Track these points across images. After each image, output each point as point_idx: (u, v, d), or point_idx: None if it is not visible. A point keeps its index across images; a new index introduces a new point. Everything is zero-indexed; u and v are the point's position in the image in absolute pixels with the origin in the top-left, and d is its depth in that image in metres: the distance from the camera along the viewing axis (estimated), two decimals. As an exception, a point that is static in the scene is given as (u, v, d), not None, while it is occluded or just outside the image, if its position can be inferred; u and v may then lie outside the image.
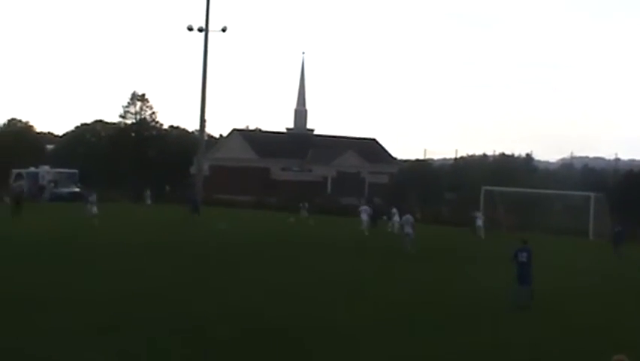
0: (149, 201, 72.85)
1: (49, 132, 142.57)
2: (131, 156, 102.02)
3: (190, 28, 75.92)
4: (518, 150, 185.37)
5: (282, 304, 22.76)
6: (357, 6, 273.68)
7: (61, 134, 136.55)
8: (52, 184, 79.80)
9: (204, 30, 75.47)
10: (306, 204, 67.00)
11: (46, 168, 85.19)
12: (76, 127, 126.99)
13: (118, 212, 59.73)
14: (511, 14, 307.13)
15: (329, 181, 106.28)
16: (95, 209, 50.48)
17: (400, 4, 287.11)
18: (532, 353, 18.20)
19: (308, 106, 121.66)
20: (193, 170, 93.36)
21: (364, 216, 54.21)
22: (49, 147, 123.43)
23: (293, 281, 27.70)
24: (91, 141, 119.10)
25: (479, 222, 54.37)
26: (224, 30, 76.15)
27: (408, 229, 41.19)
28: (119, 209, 63.37)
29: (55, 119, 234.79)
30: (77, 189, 78.50)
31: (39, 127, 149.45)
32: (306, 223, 57.74)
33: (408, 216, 43.03)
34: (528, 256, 24.47)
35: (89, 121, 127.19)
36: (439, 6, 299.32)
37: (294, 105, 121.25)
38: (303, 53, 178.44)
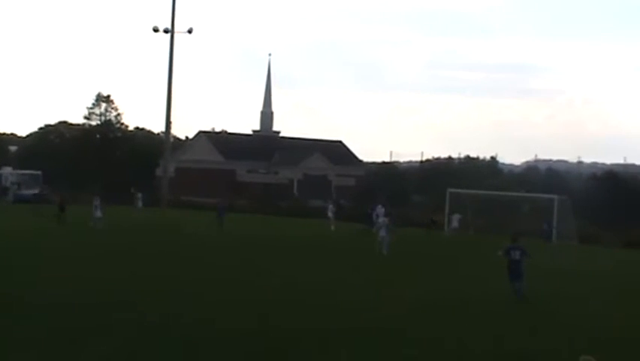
0: (140, 205, 67.58)
1: (12, 133, 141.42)
2: (96, 157, 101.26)
3: (156, 30, 75.60)
4: (483, 152, 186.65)
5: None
6: (324, 8, 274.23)
7: (24, 135, 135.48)
8: (16, 186, 78.95)
9: (170, 31, 75.21)
10: (332, 206, 62.93)
11: (9, 169, 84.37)
12: (40, 128, 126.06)
13: (123, 217, 56.75)
14: (478, 19, 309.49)
15: (295, 183, 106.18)
16: (98, 213, 48.91)
17: (367, 8, 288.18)
18: (501, 354, 18.27)
19: (274, 108, 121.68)
20: (159, 172, 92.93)
21: (384, 233, 52.78)
22: (12, 148, 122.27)
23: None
24: (55, 142, 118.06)
25: (455, 223, 55.45)
26: (190, 32, 75.94)
27: (382, 232, 41.32)
28: (115, 213, 57.09)
29: (18, 120, 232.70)
30: (41, 191, 77.76)
31: (2, 128, 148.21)
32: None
33: (384, 219, 43.10)
34: (521, 253, 25.83)
35: (53, 122, 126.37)
36: (406, 10, 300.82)
37: (260, 107, 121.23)
38: (270, 54, 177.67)
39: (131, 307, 21.45)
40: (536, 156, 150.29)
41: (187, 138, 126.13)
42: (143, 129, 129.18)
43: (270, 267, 33.08)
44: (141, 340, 17.63)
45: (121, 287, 25.11)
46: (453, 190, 62.82)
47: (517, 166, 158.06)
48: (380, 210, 55.22)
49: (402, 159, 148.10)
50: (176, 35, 75.55)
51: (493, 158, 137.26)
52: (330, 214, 60.90)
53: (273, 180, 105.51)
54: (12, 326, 18.35)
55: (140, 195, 69.76)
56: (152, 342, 17.46)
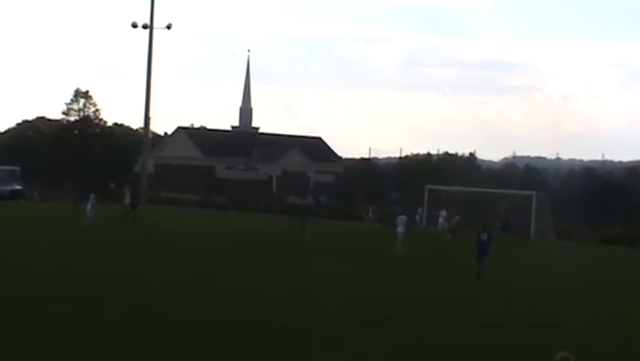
0: (128, 202, 60.26)
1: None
2: (75, 153, 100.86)
3: (134, 25, 75.51)
4: (462, 149, 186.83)
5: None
6: (303, 5, 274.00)
7: (2, 131, 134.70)
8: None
9: (149, 27, 75.09)
10: (374, 207, 63.13)
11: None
12: (18, 124, 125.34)
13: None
14: (456, 17, 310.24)
15: (274, 180, 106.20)
16: (90, 212, 47.15)
17: (346, 5, 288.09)
18: (478, 352, 18.38)
19: (253, 104, 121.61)
20: (137, 168, 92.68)
21: (400, 229, 41.88)
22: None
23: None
24: (33, 138, 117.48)
25: (441, 220, 55.83)
26: (169, 27, 75.89)
27: (400, 228, 41.21)
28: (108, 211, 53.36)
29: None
30: (19, 187, 77.23)
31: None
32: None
33: (403, 217, 42.82)
34: (489, 236, 30.27)
35: (30, 118, 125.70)
36: (384, 7, 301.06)
37: (239, 103, 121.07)
38: (249, 51, 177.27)
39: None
40: (515, 152, 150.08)
41: (166, 134, 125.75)
42: (121, 125, 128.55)
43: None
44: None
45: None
46: (431, 187, 63.04)
47: (496, 163, 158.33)
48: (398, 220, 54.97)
49: (381, 156, 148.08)
50: (155, 31, 75.55)
51: (471, 154, 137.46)
52: (370, 214, 61.48)
53: (252, 177, 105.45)
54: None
55: (127, 188, 64.60)
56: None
